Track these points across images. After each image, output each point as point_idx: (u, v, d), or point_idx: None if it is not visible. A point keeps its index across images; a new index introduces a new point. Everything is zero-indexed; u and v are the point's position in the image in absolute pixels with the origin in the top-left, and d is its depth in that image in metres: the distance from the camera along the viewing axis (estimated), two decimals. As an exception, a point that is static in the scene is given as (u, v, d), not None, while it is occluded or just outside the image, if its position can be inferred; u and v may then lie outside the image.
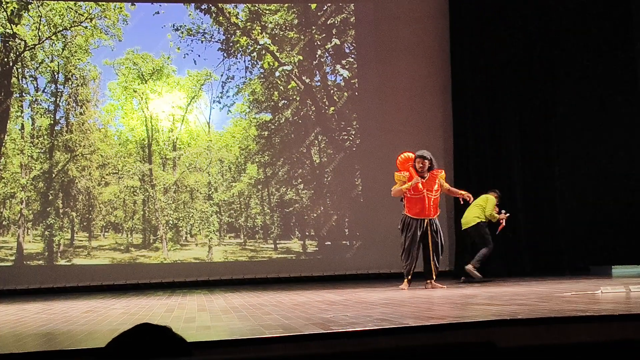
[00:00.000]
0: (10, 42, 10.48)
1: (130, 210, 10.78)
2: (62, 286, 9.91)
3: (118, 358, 1.54)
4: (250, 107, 11.09)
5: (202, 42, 10.91)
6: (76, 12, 10.72)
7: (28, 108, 10.56)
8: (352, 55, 11.20)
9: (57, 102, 10.64)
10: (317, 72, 11.16)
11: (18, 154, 10.41)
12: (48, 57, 10.65)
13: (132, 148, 10.80)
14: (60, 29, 10.66)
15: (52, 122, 10.61)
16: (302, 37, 11.09)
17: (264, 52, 11.03)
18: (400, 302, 5.39)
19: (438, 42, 10.89)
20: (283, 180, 10.98)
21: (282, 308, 5.16)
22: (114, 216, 10.71)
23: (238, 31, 11.06)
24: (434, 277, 7.47)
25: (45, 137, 10.53)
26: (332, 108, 11.09)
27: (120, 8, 10.74)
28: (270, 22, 11.09)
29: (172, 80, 10.91)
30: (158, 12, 10.82)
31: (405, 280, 7.46)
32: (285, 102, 11.06)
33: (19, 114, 10.51)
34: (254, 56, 11.06)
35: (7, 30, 10.45)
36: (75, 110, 10.71)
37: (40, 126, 10.58)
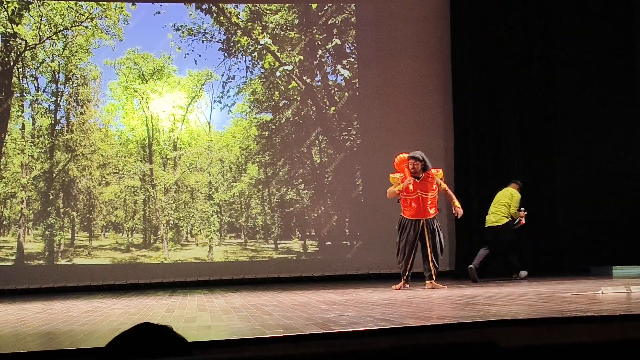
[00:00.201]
0: (11, 42, 10.49)
1: (130, 210, 10.79)
2: (63, 286, 9.91)
3: (118, 358, 1.54)
4: (251, 107, 11.09)
5: (202, 42, 10.92)
6: (77, 11, 10.72)
7: (29, 108, 10.56)
8: (353, 55, 11.20)
9: (58, 101, 10.64)
10: (318, 72, 11.17)
11: (19, 154, 10.41)
12: (49, 57, 10.65)
13: (132, 148, 10.80)
14: (61, 28, 10.67)
15: (52, 121, 10.62)
16: (303, 37, 11.09)
17: (264, 52, 11.04)
18: (401, 302, 5.39)
19: (439, 42, 10.89)
20: (284, 180, 10.98)
21: (282, 308, 5.16)
22: (115, 216, 10.71)
23: (239, 31, 11.06)
24: (434, 278, 7.46)
25: (46, 136, 10.53)
26: (333, 108, 11.09)
27: (121, 8, 10.74)
28: (271, 22, 11.10)
29: (173, 80, 10.91)
30: (159, 12, 10.82)
31: (402, 280, 7.46)
32: (286, 102, 11.06)
33: (19, 113, 10.52)
34: (255, 56, 11.06)
35: (8, 30, 10.45)
36: (75, 110, 10.72)
37: (40, 126, 10.58)
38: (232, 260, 10.70)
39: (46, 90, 10.62)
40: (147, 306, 6.21)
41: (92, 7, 10.74)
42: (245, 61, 11.05)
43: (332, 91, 11.15)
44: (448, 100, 10.73)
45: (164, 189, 10.77)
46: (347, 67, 11.15)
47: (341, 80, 11.16)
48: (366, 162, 10.83)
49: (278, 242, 10.93)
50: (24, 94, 10.56)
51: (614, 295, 5.18)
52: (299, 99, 11.05)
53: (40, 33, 10.57)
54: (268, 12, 11.11)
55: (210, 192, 10.90)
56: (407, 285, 7.44)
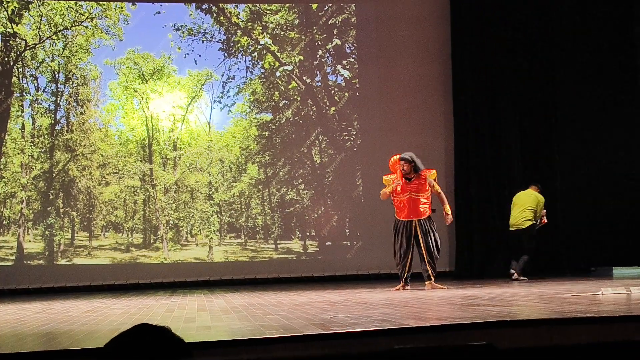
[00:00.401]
0: (10, 42, 10.48)
1: (130, 210, 10.78)
2: (63, 286, 9.91)
3: (117, 358, 1.54)
4: (251, 107, 11.09)
5: (202, 42, 10.92)
6: (77, 11, 10.72)
7: (29, 107, 10.56)
8: (353, 56, 11.19)
9: (58, 101, 10.64)
10: (318, 72, 11.16)
11: (18, 154, 10.41)
12: (49, 57, 10.65)
13: (132, 148, 10.80)
14: (61, 28, 10.66)
15: (52, 121, 10.61)
16: (303, 37, 11.08)
17: (264, 52, 11.03)
18: (401, 303, 5.38)
19: (439, 43, 10.89)
20: (284, 180, 10.98)
21: (282, 308, 5.16)
22: (115, 216, 10.71)
23: (239, 31, 11.05)
24: (432, 278, 7.45)
25: (46, 136, 10.53)
26: (333, 108, 11.09)
27: (121, 8, 10.74)
28: (271, 22, 11.09)
29: (173, 80, 10.91)
30: (159, 12, 10.82)
31: (401, 282, 7.46)
32: (286, 102, 11.06)
33: (19, 113, 10.51)
34: (255, 56, 11.05)
35: (8, 30, 10.45)
36: (75, 110, 10.71)
37: (40, 126, 10.58)
38: (232, 261, 10.70)
39: (46, 90, 10.62)
40: (147, 306, 6.20)
41: (92, 7, 10.73)
42: (245, 61, 11.05)
43: (332, 91, 11.14)
44: (448, 101, 10.73)
45: (164, 189, 10.77)
46: (347, 67, 11.14)
47: (341, 80, 11.16)
48: (366, 162, 10.82)
49: (278, 242, 10.93)
50: (24, 93, 10.56)
51: (614, 296, 5.18)
52: (299, 99, 11.05)
53: (40, 33, 10.57)
54: (268, 12, 11.11)
55: (210, 192, 10.89)
56: (407, 287, 7.43)
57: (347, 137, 11.07)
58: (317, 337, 3.30)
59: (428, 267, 7.45)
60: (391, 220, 7.70)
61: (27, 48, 10.52)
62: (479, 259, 10.29)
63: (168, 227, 10.69)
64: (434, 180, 7.62)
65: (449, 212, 7.62)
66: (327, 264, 10.59)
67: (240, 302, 6.11)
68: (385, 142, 10.50)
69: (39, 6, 10.58)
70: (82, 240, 10.48)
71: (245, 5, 11.06)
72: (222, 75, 10.96)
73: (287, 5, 11.12)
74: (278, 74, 11.04)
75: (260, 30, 11.03)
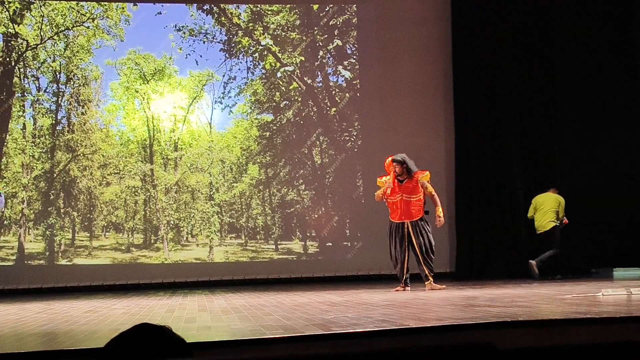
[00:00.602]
0: (12, 42, 10.49)
1: (131, 210, 10.79)
2: (63, 286, 9.91)
3: (117, 358, 1.54)
4: (252, 108, 11.09)
5: (204, 42, 10.92)
6: (78, 12, 10.73)
7: (30, 108, 10.57)
8: (354, 57, 11.20)
9: (59, 101, 10.65)
10: (319, 73, 11.17)
11: (20, 154, 10.42)
12: (50, 57, 10.66)
13: (133, 148, 10.81)
14: (63, 28, 10.67)
15: (53, 121, 10.62)
16: (304, 38, 11.09)
17: (265, 52, 11.04)
18: (401, 304, 5.38)
19: (439, 43, 10.89)
20: (284, 180, 10.98)
21: (283, 309, 5.16)
22: (115, 216, 10.72)
23: (240, 32, 11.06)
24: (430, 279, 7.45)
25: (47, 136, 10.54)
26: (334, 109, 11.09)
27: (123, 8, 10.74)
28: (273, 23, 11.10)
29: (174, 80, 10.92)
30: (160, 13, 10.83)
31: (401, 284, 7.46)
32: (287, 102, 11.06)
33: (20, 113, 10.52)
34: (256, 57, 11.06)
35: (10, 30, 10.46)
36: (76, 110, 10.72)
37: (41, 126, 10.58)
38: (232, 261, 10.70)
39: (47, 90, 10.63)
40: (147, 306, 6.21)
41: (93, 7, 10.74)
42: (246, 62, 11.06)
43: (333, 92, 11.15)
44: (449, 101, 10.73)
45: (165, 189, 10.77)
46: (348, 68, 11.15)
47: (342, 81, 11.17)
48: (367, 162, 10.82)
49: (278, 242, 10.93)
50: (25, 94, 10.57)
51: (615, 298, 5.18)
52: (299, 99, 11.05)
53: (42, 33, 10.58)
54: (269, 12, 11.11)
55: (211, 193, 10.90)
56: (408, 288, 7.43)
57: (347, 138, 11.07)
58: (318, 338, 3.31)
59: (424, 268, 7.46)
60: (392, 221, 7.70)
61: (29, 48, 10.53)
62: (479, 260, 10.29)
63: (169, 228, 10.70)
64: (428, 181, 7.59)
65: (441, 215, 7.58)
66: (327, 265, 10.59)
67: (241, 303, 6.11)
68: (385, 142, 10.49)
69: (41, 6, 10.59)
70: (82, 241, 10.48)
71: (247, 6, 11.06)
72: (223, 76, 10.98)
73: (288, 6, 11.13)
74: (279, 74, 11.05)
75: (262, 31, 11.04)
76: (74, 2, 10.68)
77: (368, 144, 10.91)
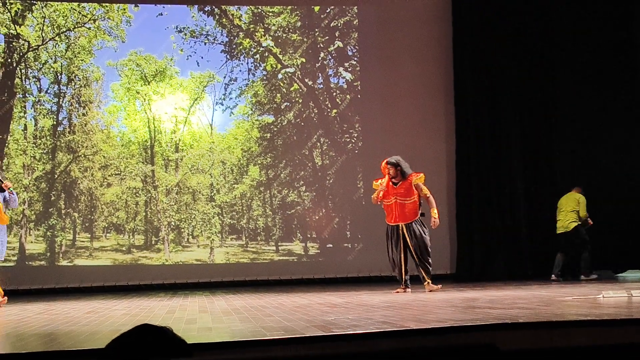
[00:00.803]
0: (14, 43, 10.50)
1: (132, 212, 10.79)
2: (64, 287, 9.91)
3: (118, 358, 1.54)
4: (253, 109, 11.10)
5: (205, 43, 10.93)
6: (79, 13, 10.74)
7: (31, 109, 10.58)
8: (355, 58, 11.20)
9: (60, 103, 10.66)
10: (320, 75, 11.17)
11: (21, 155, 10.43)
12: (51, 58, 10.67)
13: (134, 149, 10.81)
14: (64, 30, 10.68)
15: (54, 123, 10.63)
16: (305, 40, 11.10)
17: (266, 54, 11.05)
18: (402, 305, 5.39)
19: (440, 45, 10.90)
20: (285, 182, 10.98)
21: (283, 310, 5.16)
22: (116, 217, 10.72)
23: (241, 33, 11.07)
24: (427, 280, 7.45)
25: (48, 137, 10.55)
26: (335, 110, 11.10)
27: (124, 9, 10.75)
28: (274, 25, 11.11)
29: (175, 81, 10.93)
30: (161, 14, 10.84)
31: (402, 285, 7.47)
32: (288, 104, 11.07)
33: (22, 114, 10.53)
34: (257, 58, 11.07)
35: (11, 31, 10.47)
36: (78, 111, 10.73)
37: (43, 127, 10.59)
38: (233, 262, 10.70)
39: (48, 92, 10.64)
40: (148, 307, 6.21)
41: (94, 8, 10.75)
42: (247, 63, 11.07)
43: (334, 93, 11.15)
44: (449, 102, 10.74)
45: (166, 190, 10.78)
46: (349, 69, 11.16)
47: (343, 82, 11.17)
48: (367, 164, 10.82)
49: (279, 244, 10.93)
50: (27, 95, 10.58)
51: (615, 300, 5.18)
52: (300, 101, 11.06)
53: (43, 34, 10.59)
54: (270, 14, 11.12)
55: (212, 194, 10.90)
56: (408, 290, 7.43)
57: (348, 139, 11.07)
58: (318, 339, 3.31)
59: (421, 270, 7.46)
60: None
61: (30, 49, 10.54)
62: (479, 261, 10.28)
63: (169, 229, 10.70)
64: (422, 183, 7.57)
65: (436, 217, 7.54)
66: (328, 266, 10.59)
67: (241, 304, 6.11)
68: (386, 144, 10.49)
69: (42, 8, 10.60)
70: (83, 242, 10.49)
71: (248, 7, 11.07)
72: (224, 77, 10.99)
73: (290, 7, 11.14)
74: (280, 76, 11.06)
75: (263, 33, 11.05)
76: (76, 4, 10.69)
77: (369, 145, 10.91)
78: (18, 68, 10.53)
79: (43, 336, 4.00)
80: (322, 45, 11.15)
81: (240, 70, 11.01)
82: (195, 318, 4.83)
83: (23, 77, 10.59)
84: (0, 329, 4.83)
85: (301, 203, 10.96)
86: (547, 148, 10.52)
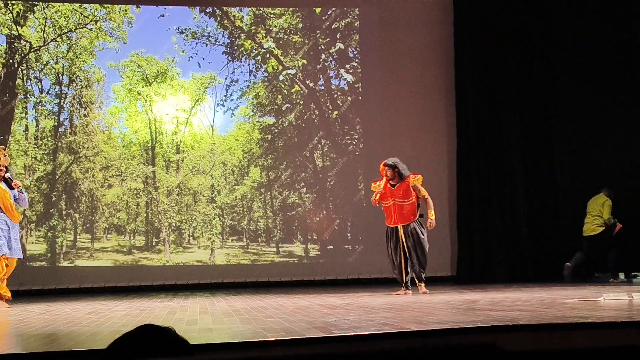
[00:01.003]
0: (15, 44, 10.52)
1: (133, 213, 10.80)
2: (65, 287, 9.92)
3: (120, 358, 1.55)
4: (254, 111, 11.11)
5: (206, 45, 10.94)
6: (81, 14, 10.75)
7: (32, 109, 10.59)
8: (356, 60, 11.21)
9: (62, 103, 10.67)
10: (321, 76, 11.18)
11: (22, 155, 10.44)
12: (53, 59, 10.68)
13: (135, 150, 10.82)
14: (65, 31, 10.70)
15: (56, 123, 10.64)
16: (307, 41, 11.11)
17: (268, 55, 11.06)
18: (403, 307, 5.39)
19: (441, 46, 10.91)
20: (286, 183, 10.99)
21: (284, 311, 5.16)
22: (117, 218, 10.73)
23: (242, 35, 11.08)
24: (420, 282, 7.44)
25: (49, 138, 10.56)
26: (336, 112, 11.10)
27: (125, 10, 10.77)
28: (275, 26, 11.12)
29: (177, 83, 10.94)
30: (163, 15, 10.85)
31: (402, 287, 7.46)
32: (289, 105, 11.08)
33: (23, 115, 10.54)
34: (258, 60, 11.08)
35: (13, 32, 10.48)
36: (79, 112, 10.74)
37: (44, 128, 10.60)
38: (233, 263, 10.70)
39: (50, 92, 10.65)
40: (148, 308, 6.21)
41: (96, 9, 10.77)
42: (248, 65, 11.08)
43: (335, 95, 11.16)
44: (450, 102, 10.74)
45: (167, 191, 10.78)
46: (350, 71, 11.16)
47: (344, 84, 11.18)
48: (368, 166, 10.82)
49: (280, 245, 10.94)
50: (28, 95, 10.59)
51: (616, 302, 5.18)
52: (301, 102, 11.07)
53: (45, 35, 10.60)
54: (272, 16, 11.13)
55: (213, 195, 10.91)
56: (409, 292, 7.43)
57: (349, 141, 11.08)
58: (319, 340, 3.31)
59: (417, 270, 7.46)
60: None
61: (32, 50, 10.55)
62: (480, 262, 10.28)
63: (170, 230, 10.71)
64: (420, 184, 7.56)
65: (433, 218, 7.50)
66: (328, 268, 10.60)
67: (242, 305, 6.11)
68: (387, 145, 10.50)
69: (44, 9, 10.61)
70: (84, 242, 10.49)
71: (249, 9, 11.09)
72: (226, 79, 11.00)
73: (291, 9, 11.15)
74: (281, 77, 11.06)
75: (264, 34, 11.06)
76: (77, 5, 10.71)
77: (370, 147, 10.92)
78: (19, 69, 10.54)
79: (44, 337, 4.01)
80: (323, 47, 11.16)
81: (241, 72, 11.03)
82: (196, 319, 4.84)
83: (24, 78, 10.60)
84: (1, 329, 4.83)
85: (302, 204, 10.96)
86: (547, 148, 10.52)
